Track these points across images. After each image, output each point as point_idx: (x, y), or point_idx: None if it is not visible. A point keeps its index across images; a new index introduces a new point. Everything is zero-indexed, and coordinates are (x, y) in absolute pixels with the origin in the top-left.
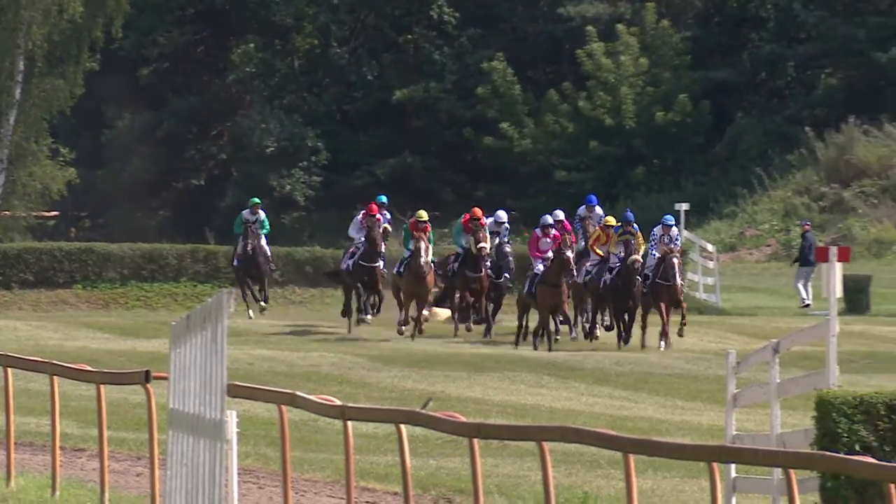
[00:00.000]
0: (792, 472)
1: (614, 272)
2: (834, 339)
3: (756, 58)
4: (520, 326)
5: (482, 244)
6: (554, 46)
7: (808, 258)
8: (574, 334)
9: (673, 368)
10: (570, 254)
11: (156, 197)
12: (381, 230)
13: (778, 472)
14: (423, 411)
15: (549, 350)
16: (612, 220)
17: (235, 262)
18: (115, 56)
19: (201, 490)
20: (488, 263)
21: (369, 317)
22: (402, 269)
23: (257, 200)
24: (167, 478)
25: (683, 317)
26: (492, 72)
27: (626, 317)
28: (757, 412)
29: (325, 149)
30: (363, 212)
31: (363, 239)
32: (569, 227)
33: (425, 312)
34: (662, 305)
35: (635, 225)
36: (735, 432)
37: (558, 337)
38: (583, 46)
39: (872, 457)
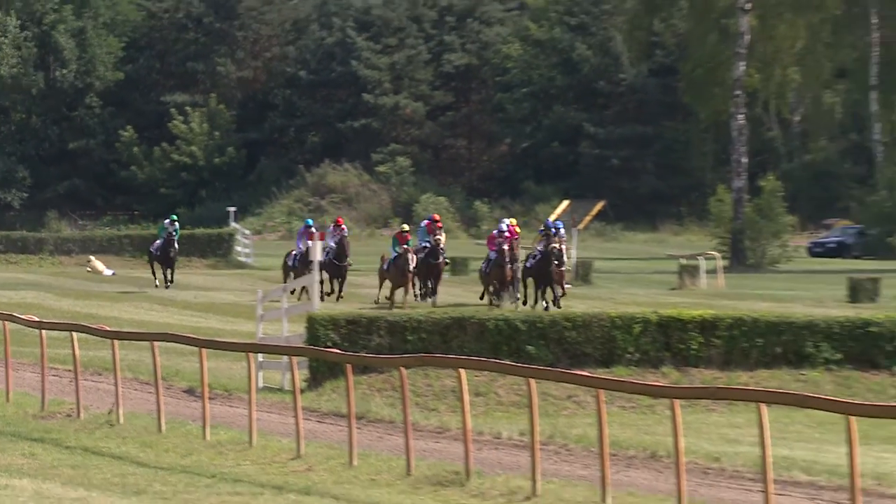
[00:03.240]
0: (294, 358)
1: (537, 259)
2: (316, 284)
3: (272, 126)
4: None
5: (438, 237)
6: (158, 119)
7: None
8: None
9: (226, 299)
10: (506, 246)
11: None
12: (346, 239)
13: (286, 358)
14: (87, 325)
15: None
16: (513, 221)
17: (152, 251)
18: None
19: None
20: (443, 253)
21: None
22: (389, 267)
23: (175, 217)
24: None
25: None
26: (123, 135)
27: (546, 289)
28: (274, 324)
29: (29, 176)
30: (332, 224)
31: (333, 245)
32: (515, 233)
33: (403, 295)
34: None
35: (553, 229)
36: (262, 335)
37: (513, 302)
38: (171, 120)
39: (337, 348)
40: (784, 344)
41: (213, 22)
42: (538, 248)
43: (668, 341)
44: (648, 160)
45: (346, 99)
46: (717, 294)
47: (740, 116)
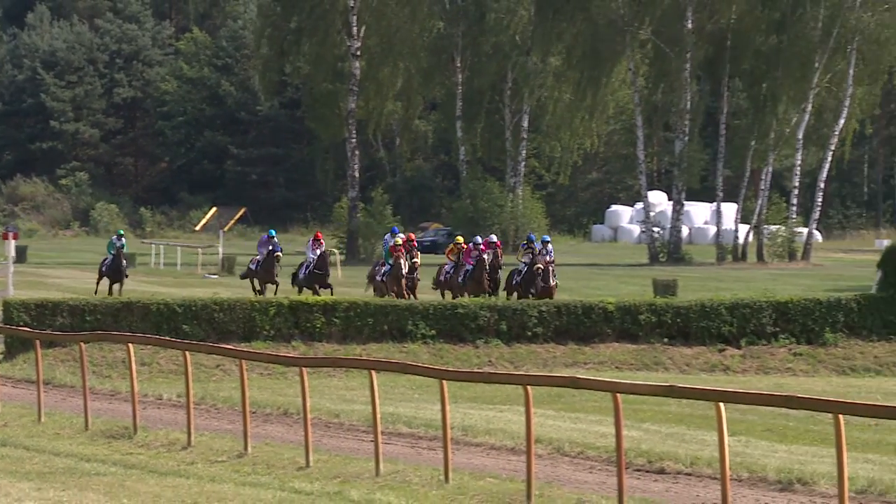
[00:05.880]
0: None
1: (521, 274)
2: (11, 274)
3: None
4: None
5: (415, 260)
6: None
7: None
8: None
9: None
10: (486, 257)
11: None
12: (327, 253)
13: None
14: None
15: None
16: (460, 239)
17: (103, 268)
18: None
19: None
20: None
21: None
22: (384, 276)
23: (122, 232)
24: None
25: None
26: None
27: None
28: None
29: None
30: (312, 238)
31: (313, 257)
32: (500, 244)
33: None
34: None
35: (536, 244)
36: None
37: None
38: None
39: (28, 327)
40: (390, 322)
41: None
42: (523, 261)
43: (298, 321)
44: (280, 175)
45: (36, 125)
46: (336, 283)
47: (353, 140)
